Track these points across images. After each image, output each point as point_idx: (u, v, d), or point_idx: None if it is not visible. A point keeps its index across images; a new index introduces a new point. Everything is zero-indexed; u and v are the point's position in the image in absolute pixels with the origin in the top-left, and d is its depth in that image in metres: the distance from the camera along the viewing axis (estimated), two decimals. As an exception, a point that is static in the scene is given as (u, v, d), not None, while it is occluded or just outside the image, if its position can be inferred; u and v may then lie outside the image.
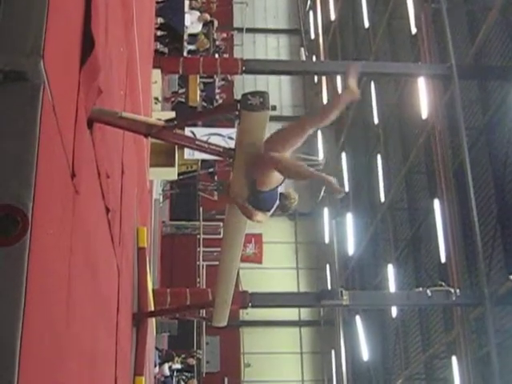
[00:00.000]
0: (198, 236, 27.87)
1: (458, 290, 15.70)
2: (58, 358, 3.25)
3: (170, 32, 19.19)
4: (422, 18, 20.58)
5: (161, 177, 19.09)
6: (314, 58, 35.27)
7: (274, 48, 39.00)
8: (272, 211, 5.87)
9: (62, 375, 3.35)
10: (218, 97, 28.15)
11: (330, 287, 30.38)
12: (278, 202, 5.83)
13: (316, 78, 35.22)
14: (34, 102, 2.87)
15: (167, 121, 4.56)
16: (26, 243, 2.63)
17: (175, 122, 4.68)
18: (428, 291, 15.51)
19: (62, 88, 3.33)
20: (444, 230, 18.54)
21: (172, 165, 15.66)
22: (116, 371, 5.69)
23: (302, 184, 32.79)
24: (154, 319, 12.50)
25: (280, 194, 5.94)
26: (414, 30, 21.85)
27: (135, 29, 7.70)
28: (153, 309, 10.38)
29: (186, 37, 20.51)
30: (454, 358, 18.08)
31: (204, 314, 16.01)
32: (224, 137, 18.34)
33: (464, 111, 17.38)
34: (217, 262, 6.95)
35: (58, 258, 3.25)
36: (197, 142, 4.69)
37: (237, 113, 4.20)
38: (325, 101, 33.39)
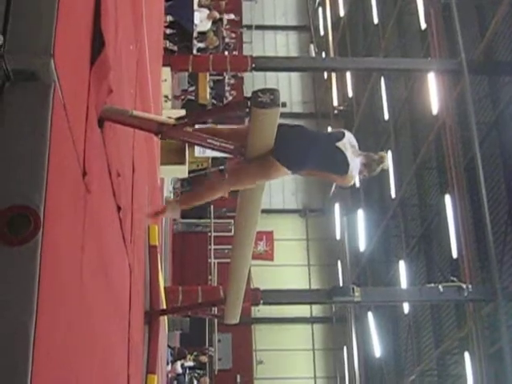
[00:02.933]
0: (209, 234, 27.89)
1: (470, 286, 15.67)
2: (71, 357, 3.26)
3: (180, 30, 19.19)
4: (432, 13, 20.55)
5: (171, 175, 19.09)
6: (324, 55, 35.25)
7: (283, 45, 38.99)
8: (354, 173, 5.84)
9: (75, 373, 3.36)
10: (227, 94, 28.16)
11: (341, 284, 30.38)
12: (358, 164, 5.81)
13: (326, 74, 35.19)
14: (45, 102, 2.88)
15: (177, 119, 4.56)
16: (38, 242, 2.64)
17: (185, 120, 4.68)
18: (440, 287, 15.49)
19: (73, 87, 3.34)
20: (455, 226, 18.52)
21: (183, 163, 15.64)
22: (129, 369, 5.70)
23: (312, 180, 32.80)
24: (166, 317, 12.52)
25: (369, 155, 5.95)
26: (423, 26, 21.81)
27: (145, 27, 7.71)
28: (165, 307, 10.39)
29: (195, 35, 20.51)
30: (466, 354, 18.05)
31: (216, 312, 16.03)
32: (234, 134, 18.32)
33: (474, 106, 17.34)
34: (228, 260, 6.95)
35: (70, 257, 3.26)
36: (208, 140, 4.69)
37: (247, 110, 4.19)
38: (335, 100, 33.39)
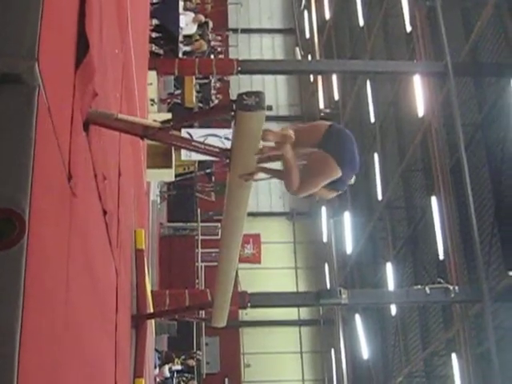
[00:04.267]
0: (196, 237, 27.87)
1: (456, 287, 15.72)
2: (58, 362, 3.25)
3: (165, 33, 19.18)
4: (417, 16, 20.63)
5: (158, 178, 19.11)
6: (310, 58, 35.30)
7: (269, 48, 39.04)
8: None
9: (61, 379, 3.35)
10: (214, 97, 28.17)
11: (328, 286, 30.45)
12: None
13: (312, 77, 35.25)
14: (30, 105, 2.87)
15: (163, 122, 4.56)
16: (23, 247, 2.63)
17: (171, 124, 4.68)
18: (427, 289, 15.53)
19: (58, 90, 3.33)
20: (442, 227, 18.59)
21: (169, 166, 15.65)
22: (116, 374, 5.69)
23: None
24: (153, 321, 12.50)
25: None
26: (408, 28, 21.90)
27: (130, 31, 7.69)
28: (152, 310, 10.38)
29: (180, 38, 20.51)
30: (453, 355, 18.12)
31: (203, 315, 16.00)
32: (221, 137, 18.33)
33: (460, 108, 17.40)
34: (215, 263, 6.95)
35: (55, 261, 3.24)
36: (193, 143, 4.69)
37: (232, 113, 4.19)
38: (321, 103, 33.42)
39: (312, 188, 5.38)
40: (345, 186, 5.62)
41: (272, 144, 4.89)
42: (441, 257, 18.99)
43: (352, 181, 5.76)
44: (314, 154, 5.25)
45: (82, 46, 3.78)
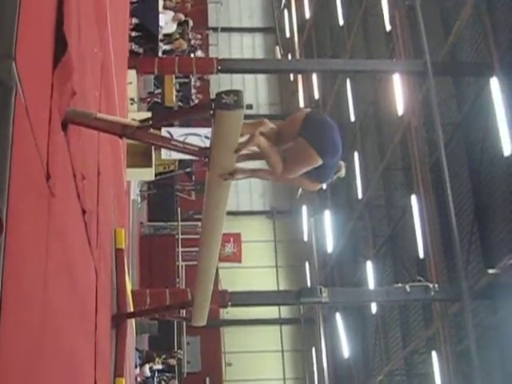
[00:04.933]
0: (177, 236, 27.85)
1: (436, 285, 15.77)
2: (36, 362, 3.24)
3: (145, 32, 19.14)
4: (396, 16, 20.69)
5: (138, 177, 19.07)
6: (290, 57, 35.33)
7: (249, 47, 39.04)
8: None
9: (40, 379, 3.34)
10: (194, 96, 28.14)
11: (309, 285, 30.47)
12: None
13: (292, 77, 35.28)
14: (7, 105, 2.86)
15: (142, 121, 4.55)
16: (1, 247, 2.62)
17: (150, 122, 4.67)
18: (407, 287, 15.57)
19: (35, 90, 3.32)
20: (422, 226, 18.66)
21: (149, 165, 15.63)
22: (96, 373, 5.67)
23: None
24: (133, 320, 12.47)
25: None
26: (388, 28, 21.95)
27: (109, 30, 7.67)
28: (132, 310, 10.35)
29: (160, 37, 20.47)
30: (433, 353, 18.19)
31: (184, 314, 16.00)
32: (201, 136, 18.31)
33: (439, 107, 17.46)
34: (196, 262, 6.94)
35: (34, 262, 3.23)
36: (172, 142, 4.68)
37: (211, 112, 4.19)
38: (301, 101, 33.46)
39: (292, 175, 5.44)
40: (328, 176, 5.65)
41: (245, 138, 4.93)
42: (421, 255, 19.05)
43: (343, 172, 5.80)
44: (295, 143, 5.31)
45: (60, 45, 3.77)
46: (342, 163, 5.99)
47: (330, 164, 5.52)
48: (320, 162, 5.33)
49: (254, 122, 5.09)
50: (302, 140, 5.27)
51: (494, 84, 15.44)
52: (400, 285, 15.97)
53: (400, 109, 20.35)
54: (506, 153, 14.89)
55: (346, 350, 26.94)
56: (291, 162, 5.36)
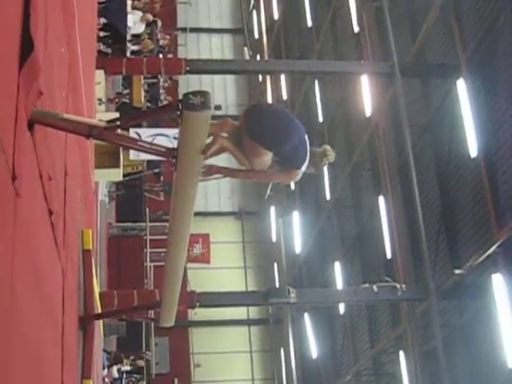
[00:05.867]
0: (145, 237, 27.78)
1: (403, 286, 15.85)
2: (2, 363, 3.22)
3: (113, 32, 19.08)
4: (364, 17, 20.76)
5: (106, 178, 19.00)
6: (258, 58, 35.35)
7: (218, 48, 39.03)
8: (303, 168, 5.92)
9: (6, 379, 3.32)
10: (162, 97, 28.07)
11: (277, 285, 30.51)
12: (308, 158, 5.88)
13: (260, 77, 35.30)
14: (-28, 105, 2.85)
15: (109, 121, 4.54)
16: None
17: (118, 123, 4.66)
18: (374, 287, 15.63)
19: (1, 90, 3.31)
20: (389, 227, 18.75)
21: (117, 166, 15.58)
22: (63, 375, 5.64)
23: (248, 183, 32.84)
24: (101, 321, 12.42)
25: (311, 150, 6.03)
26: (356, 29, 22.02)
27: (77, 29, 7.64)
28: (100, 311, 10.32)
29: (128, 37, 20.41)
30: (401, 353, 18.29)
31: (152, 315, 15.98)
32: (169, 137, 18.27)
33: (407, 108, 17.55)
34: (164, 263, 6.94)
35: (0, 261, 3.22)
36: (139, 143, 4.68)
37: (179, 113, 4.20)
38: (269, 100, 33.49)
39: (259, 170, 5.57)
40: (300, 159, 5.76)
41: (210, 139, 4.98)
42: (388, 256, 19.14)
43: (330, 157, 5.91)
44: (245, 140, 5.44)
45: (27, 45, 3.76)
46: (327, 147, 6.08)
47: (287, 149, 5.63)
48: (269, 152, 5.44)
49: (217, 122, 5.13)
50: (247, 139, 5.39)
51: (461, 85, 15.56)
52: (368, 285, 16.02)
53: (368, 110, 20.43)
54: (473, 154, 15.00)
55: (314, 350, 27.00)
56: (248, 158, 5.46)
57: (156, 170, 27.65)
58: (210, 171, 5.28)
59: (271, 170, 5.83)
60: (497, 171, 14.24)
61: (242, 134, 5.47)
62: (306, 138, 5.99)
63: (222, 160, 5.47)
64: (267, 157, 5.52)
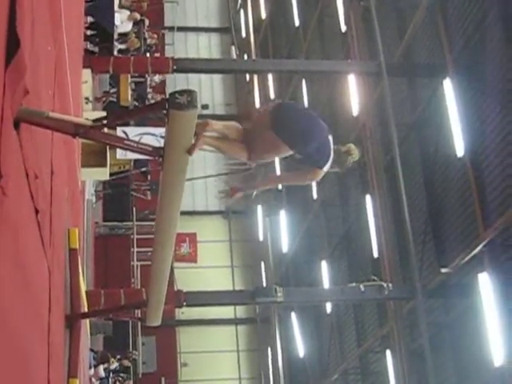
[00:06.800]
0: (132, 236, 27.74)
1: (390, 285, 15.89)
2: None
3: (100, 31, 19.03)
4: (352, 16, 20.80)
5: (93, 177, 18.97)
6: (246, 57, 35.34)
7: (205, 47, 38.99)
8: (326, 168, 6.08)
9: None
10: (150, 96, 28.03)
11: (264, 284, 30.50)
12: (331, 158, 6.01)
13: (248, 77, 35.30)
14: (-42, 103, 2.84)
15: (95, 120, 4.54)
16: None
17: (104, 122, 4.66)
18: (361, 286, 15.65)
19: (-13, 88, 3.30)
20: (376, 226, 18.78)
21: (104, 165, 15.57)
22: (49, 374, 5.63)
23: (235, 182, 32.89)
24: (88, 320, 12.41)
25: (336, 149, 6.16)
26: (343, 28, 22.05)
27: (64, 28, 7.63)
28: (86, 310, 10.31)
29: (116, 36, 20.37)
30: (388, 352, 18.33)
31: (139, 314, 15.94)
32: (156, 136, 18.24)
33: (394, 108, 17.60)
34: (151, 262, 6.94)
35: (-15, 261, 3.21)
36: (125, 142, 4.68)
37: (165, 112, 4.20)
38: (257, 102, 33.52)
39: (263, 160, 5.83)
40: (323, 159, 5.91)
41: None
42: (375, 255, 19.18)
43: (355, 155, 6.04)
44: (266, 134, 5.56)
45: (13, 43, 3.75)
46: (352, 146, 6.23)
47: (310, 150, 5.78)
48: (290, 152, 5.65)
49: (198, 122, 5.15)
50: (271, 132, 5.51)
51: (448, 85, 15.60)
52: (354, 284, 16.05)
53: (355, 109, 20.46)
54: (459, 154, 15.05)
55: (301, 349, 27.02)
56: (261, 150, 5.62)
57: (143, 169, 27.59)
58: (266, 182, 5.52)
59: (298, 172, 6.02)
60: (483, 171, 14.30)
61: (265, 127, 5.62)
62: (330, 138, 6.09)
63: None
64: (284, 154, 5.71)
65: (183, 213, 5.64)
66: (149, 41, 27.22)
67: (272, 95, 32.12)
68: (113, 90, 24.51)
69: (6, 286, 3.66)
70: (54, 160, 6.33)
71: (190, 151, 4.74)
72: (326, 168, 6.11)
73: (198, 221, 33.69)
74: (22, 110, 4.14)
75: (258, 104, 33.52)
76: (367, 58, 19.75)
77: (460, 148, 15.01)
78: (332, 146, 6.14)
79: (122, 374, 24.85)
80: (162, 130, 17.68)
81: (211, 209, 36.14)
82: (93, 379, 20.55)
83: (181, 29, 38.58)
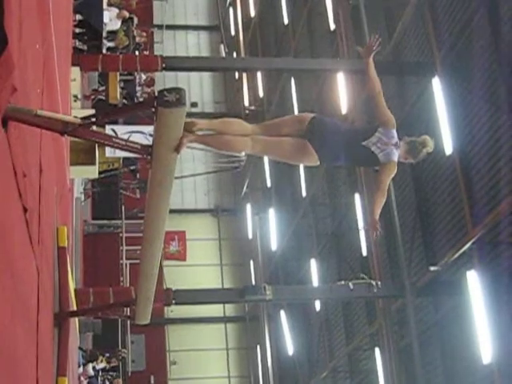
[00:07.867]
0: (121, 234, 27.69)
1: (379, 283, 15.93)
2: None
3: (89, 29, 18.98)
4: (340, 15, 20.82)
5: (82, 175, 18.91)
6: (235, 55, 35.33)
7: (194, 45, 38.97)
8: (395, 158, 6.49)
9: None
10: (138, 94, 27.98)
11: (254, 283, 30.53)
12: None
13: (237, 75, 35.29)
14: None
15: (84, 118, 4.53)
16: None
17: (93, 120, 4.65)
18: (350, 284, 15.70)
19: (-25, 86, 3.29)
20: (365, 224, 18.79)
21: (93, 163, 15.53)
22: (37, 372, 5.62)
23: (224, 180, 32.90)
24: (76, 319, 12.37)
25: (411, 141, 6.53)
26: (332, 27, 22.07)
27: (52, 26, 7.60)
28: (75, 308, 10.28)
29: (104, 34, 20.32)
30: (376, 350, 18.37)
31: (128, 313, 15.94)
32: (145, 134, 18.23)
33: (383, 106, 17.59)
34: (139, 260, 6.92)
35: (-27, 259, 3.21)
36: (114, 140, 4.67)
37: (153, 109, 4.20)
38: (246, 100, 33.54)
39: (280, 160, 6.27)
40: (372, 160, 6.48)
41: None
42: (364, 253, 19.22)
43: (430, 146, 6.44)
44: (298, 140, 6.00)
45: (1, 41, 3.74)
46: (427, 138, 6.40)
47: (328, 160, 6.44)
48: (318, 163, 5.98)
49: (185, 121, 5.18)
50: (305, 142, 5.81)
51: (436, 83, 15.65)
52: (343, 282, 16.09)
53: (344, 107, 20.49)
54: (448, 151, 15.09)
55: (290, 347, 27.06)
56: (288, 156, 6.08)
57: (132, 168, 27.52)
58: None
59: (386, 172, 6.21)
60: (472, 168, 14.35)
61: (300, 135, 6.01)
62: (369, 141, 6.25)
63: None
64: (311, 163, 6.20)
65: (172, 211, 5.64)
66: (138, 39, 27.14)
67: (261, 93, 32.13)
68: (102, 88, 24.45)
69: (-6, 284, 3.65)
70: (42, 158, 6.32)
71: (177, 149, 4.75)
72: (390, 162, 6.40)
73: (187, 219, 33.69)
74: (10, 107, 4.13)
75: (246, 102, 33.53)
76: (356, 57, 19.74)
77: (448, 146, 15.05)
78: (371, 147, 6.38)
79: (111, 373, 24.81)
80: (151, 128, 17.67)
81: (200, 207, 36.13)
82: (82, 378, 20.50)
83: (170, 27, 38.55)
